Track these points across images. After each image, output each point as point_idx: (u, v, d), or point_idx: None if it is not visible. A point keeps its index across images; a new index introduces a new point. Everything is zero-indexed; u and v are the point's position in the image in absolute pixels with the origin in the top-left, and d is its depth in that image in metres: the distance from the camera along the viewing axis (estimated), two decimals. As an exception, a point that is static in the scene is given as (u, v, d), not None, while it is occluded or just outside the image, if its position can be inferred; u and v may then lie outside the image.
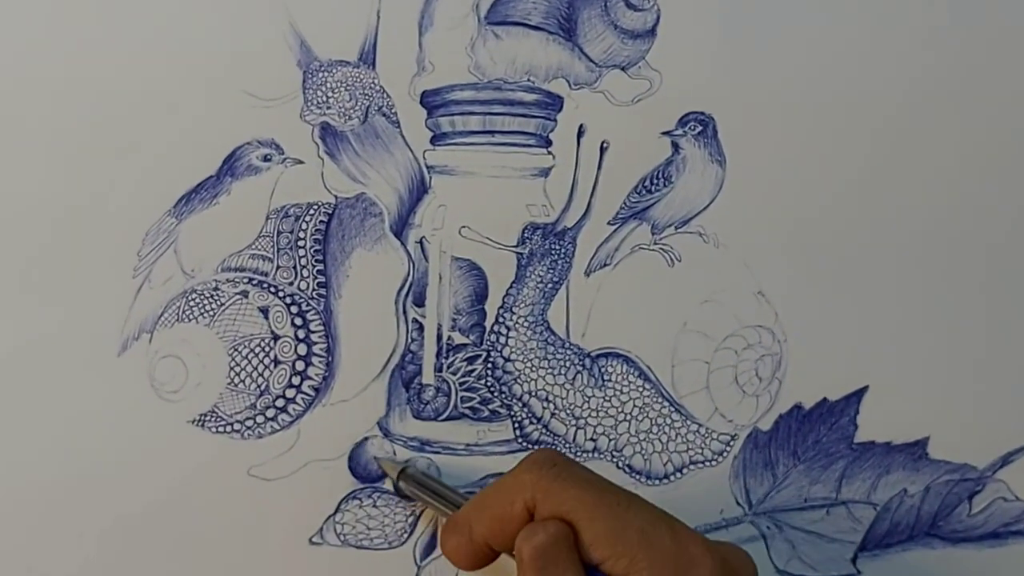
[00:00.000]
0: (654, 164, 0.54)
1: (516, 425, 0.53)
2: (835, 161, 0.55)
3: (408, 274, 0.53)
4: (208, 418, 0.52)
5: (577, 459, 0.52)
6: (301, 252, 0.52)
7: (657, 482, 0.54)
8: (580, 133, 0.54)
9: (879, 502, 0.54)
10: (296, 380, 0.52)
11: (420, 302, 0.53)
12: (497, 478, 0.45)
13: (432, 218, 0.53)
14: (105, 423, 0.51)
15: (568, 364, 0.53)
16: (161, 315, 0.51)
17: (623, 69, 0.54)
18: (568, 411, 0.53)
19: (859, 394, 0.54)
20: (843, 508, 0.54)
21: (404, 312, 0.53)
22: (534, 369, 0.54)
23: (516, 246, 0.54)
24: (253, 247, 0.52)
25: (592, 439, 0.54)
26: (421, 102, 0.53)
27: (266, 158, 0.52)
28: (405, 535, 0.52)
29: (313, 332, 0.52)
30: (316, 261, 0.52)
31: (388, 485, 0.51)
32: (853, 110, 0.55)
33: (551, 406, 0.53)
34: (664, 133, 0.54)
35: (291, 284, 0.52)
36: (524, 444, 0.53)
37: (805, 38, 0.54)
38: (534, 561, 0.40)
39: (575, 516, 0.40)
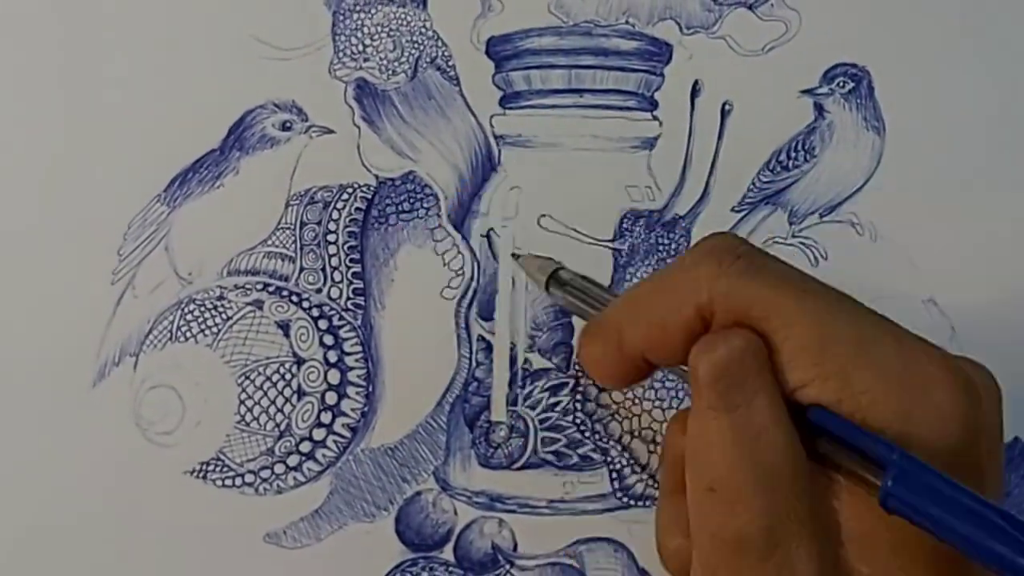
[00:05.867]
0: (791, 132, 0.51)
1: (614, 475, 0.50)
2: None
3: (472, 278, 0.50)
4: (211, 467, 0.49)
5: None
6: (332, 249, 0.49)
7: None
8: (695, 92, 0.50)
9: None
10: (326, 417, 0.49)
11: (487, 314, 0.50)
12: (656, 273, 0.40)
13: (502, 204, 0.50)
14: (77, 474, 0.48)
15: (682, 395, 0.50)
16: (149, 333, 0.49)
17: (750, 7, 0.51)
18: (682, 456, 0.49)
19: (1062, 434, 0.51)
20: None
21: (467, 327, 0.50)
22: (637, 401, 0.50)
23: (612, 240, 0.50)
24: (269, 243, 0.49)
25: (714, 493, 0.48)
26: (487, 52, 0.50)
27: (285, 126, 0.49)
28: (473, 622, 0.50)
29: (348, 354, 0.49)
30: (351, 261, 0.49)
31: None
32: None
33: (660, 450, 0.49)
34: (804, 91, 0.51)
35: (319, 291, 0.49)
36: (624, 500, 0.50)
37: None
38: (714, 383, 0.35)
39: (768, 324, 0.35)
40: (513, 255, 0.49)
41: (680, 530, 0.39)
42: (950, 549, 0.33)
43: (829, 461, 0.35)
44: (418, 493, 0.50)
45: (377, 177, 0.50)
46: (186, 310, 0.49)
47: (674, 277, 0.38)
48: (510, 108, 0.50)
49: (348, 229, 0.49)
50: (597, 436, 0.50)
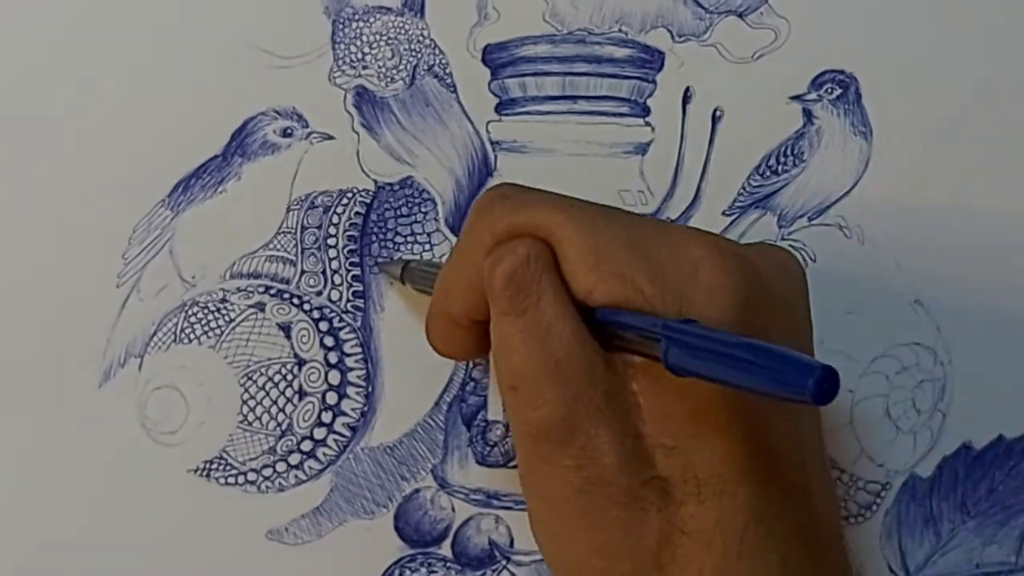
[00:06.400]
0: (781, 137, 0.51)
1: (607, 472, 0.48)
2: (1016, 131, 0.52)
3: None
4: (215, 466, 0.49)
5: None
6: (332, 253, 0.49)
7: (788, 544, 0.49)
8: (686, 98, 0.50)
9: (1072, 568, 0.52)
10: (327, 417, 0.49)
11: None
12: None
13: None
14: (83, 473, 0.48)
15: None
16: (153, 335, 0.48)
17: (741, 15, 0.51)
18: (673, 454, 0.48)
19: (1044, 430, 0.52)
20: (1026, 576, 0.52)
21: None
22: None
23: None
24: (270, 247, 0.49)
25: (704, 489, 0.48)
26: (483, 60, 0.50)
27: (286, 132, 0.49)
28: (470, 615, 0.50)
29: (348, 355, 0.49)
30: (351, 264, 0.49)
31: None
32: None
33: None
34: (793, 98, 0.51)
35: (319, 294, 0.49)
36: (618, 496, 0.46)
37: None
38: (504, 290, 0.38)
39: (549, 241, 0.38)
40: (377, 264, 0.50)
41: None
42: (734, 410, 0.36)
43: (624, 349, 0.38)
44: (417, 490, 0.50)
45: (376, 182, 0.49)
46: (190, 312, 0.49)
47: (463, 242, 0.41)
48: (506, 114, 0.50)
49: (348, 233, 0.50)
50: (591, 434, 0.50)
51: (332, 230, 0.50)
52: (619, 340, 0.38)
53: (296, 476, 0.49)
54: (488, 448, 0.50)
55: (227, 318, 0.49)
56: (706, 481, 0.37)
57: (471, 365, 0.50)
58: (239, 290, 0.49)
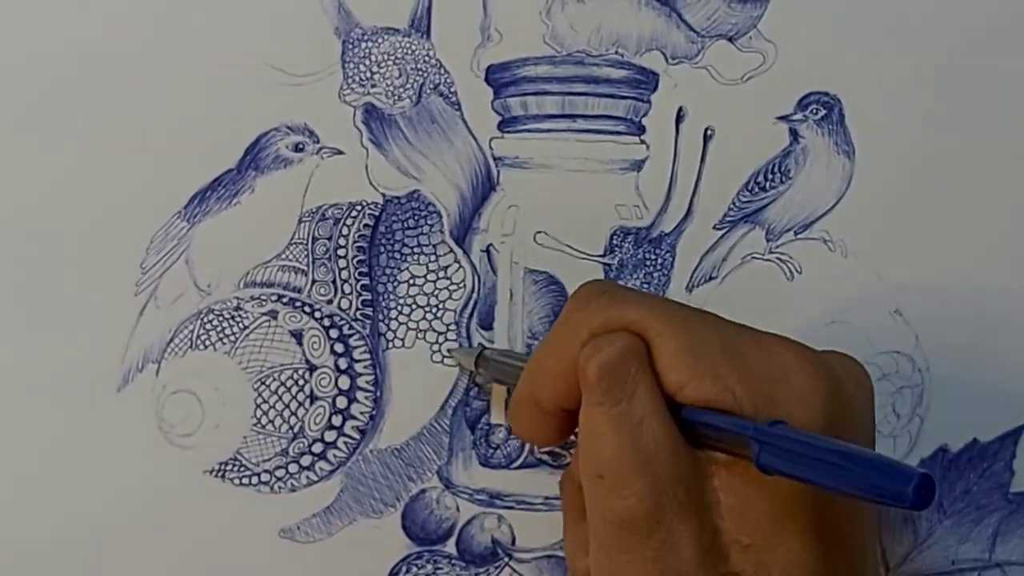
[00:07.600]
0: (769, 156, 0.52)
1: (605, 474, 0.48)
2: (989, 151, 0.54)
3: (472, 290, 0.51)
4: (229, 467, 0.49)
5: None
6: (342, 263, 0.50)
7: (775, 542, 0.49)
8: (679, 118, 0.51)
9: (1041, 565, 0.53)
10: (337, 420, 0.50)
11: (487, 324, 0.51)
12: (545, 336, 0.43)
13: (501, 221, 0.51)
14: (103, 474, 0.48)
15: (666, 398, 0.50)
16: (170, 341, 0.49)
17: (731, 40, 0.51)
18: (667, 456, 0.48)
19: (1016, 434, 0.53)
20: (998, 572, 0.53)
21: (468, 336, 0.51)
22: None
23: (603, 255, 0.51)
24: (283, 257, 0.50)
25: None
26: (486, 79, 0.50)
27: (298, 147, 0.49)
28: (474, 610, 0.51)
29: (357, 361, 0.50)
30: (360, 274, 0.50)
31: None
32: (1014, 89, 0.53)
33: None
34: (780, 118, 0.52)
35: (330, 302, 0.50)
36: (614, 497, 0.47)
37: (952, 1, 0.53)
38: (600, 381, 0.38)
39: (645, 336, 0.39)
40: (449, 351, 0.51)
41: (585, 552, 0.42)
42: (813, 511, 0.37)
43: (710, 446, 0.39)
44: (423, 491, 0.51)
45: (384, 195, 0.50)
46: (205, 320, 0.49)
47: (557, 332, 0.41)
48: (508, 132, 0.51)
49: (357, 244, 0.50)
50: (589, 437, 0.51)
51: (342, 241, 0.50)
52: (706, 438, 0.38)
53: (307, 477, 0.50)
54: (491, 450, 0.51)
55: (241, 325, 0.50)
56: None
57: (474, 369, 0.51)
58: (253, 298, 0.50)
